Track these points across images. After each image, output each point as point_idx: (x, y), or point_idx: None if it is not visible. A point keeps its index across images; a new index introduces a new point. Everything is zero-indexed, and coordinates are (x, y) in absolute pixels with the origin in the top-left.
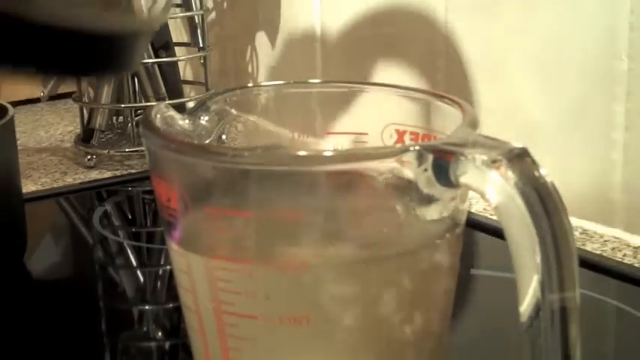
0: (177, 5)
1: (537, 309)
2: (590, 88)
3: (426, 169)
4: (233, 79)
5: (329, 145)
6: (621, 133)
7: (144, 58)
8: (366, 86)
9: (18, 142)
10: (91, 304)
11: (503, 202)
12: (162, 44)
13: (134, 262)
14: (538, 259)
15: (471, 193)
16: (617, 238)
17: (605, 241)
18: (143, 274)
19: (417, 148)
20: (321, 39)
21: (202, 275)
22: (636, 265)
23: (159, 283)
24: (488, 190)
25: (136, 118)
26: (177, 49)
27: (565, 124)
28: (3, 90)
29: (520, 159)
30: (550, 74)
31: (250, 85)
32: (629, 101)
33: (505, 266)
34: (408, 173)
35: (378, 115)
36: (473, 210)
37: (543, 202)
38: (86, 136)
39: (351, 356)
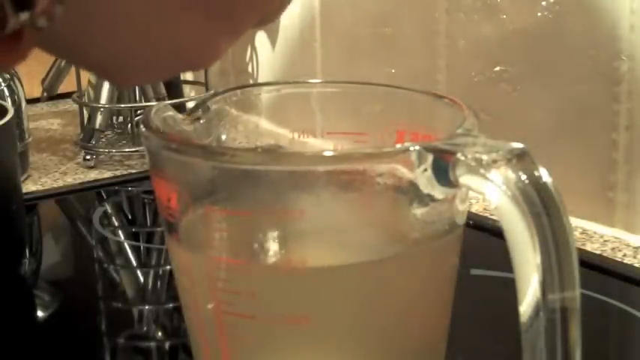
0: None
1: (537, 309)
2: (590, 88)
3: (425, 169)
4: (233, 79)
5: (329, 145)
6: (621, 133)
7: None
8: (366, 86)
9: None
10: (90, 304)
11: (504, 202)
12: None
13: (134, 262)
14: (538, 259)
15: (470, 193)
16: (617, 238)
17: (605, 241)
18: (143, 274)
19: (417, 148)
20: (321, 39)
21: (202, 275)
22: (636, 265)
23: (159, 283)
24: (489, 191)
25: (136, 118)
26: None
27: (565, 124)
28: None
29: (520, 159)
30: (550, 74)
31: (250, 85)
32: (629, 101)
33: (505, 266)
34: (408, 173)
35: (378, 115)
36: (473, 210)
37: (543, 202)
38: (86, 136)
39: (350, 356)
